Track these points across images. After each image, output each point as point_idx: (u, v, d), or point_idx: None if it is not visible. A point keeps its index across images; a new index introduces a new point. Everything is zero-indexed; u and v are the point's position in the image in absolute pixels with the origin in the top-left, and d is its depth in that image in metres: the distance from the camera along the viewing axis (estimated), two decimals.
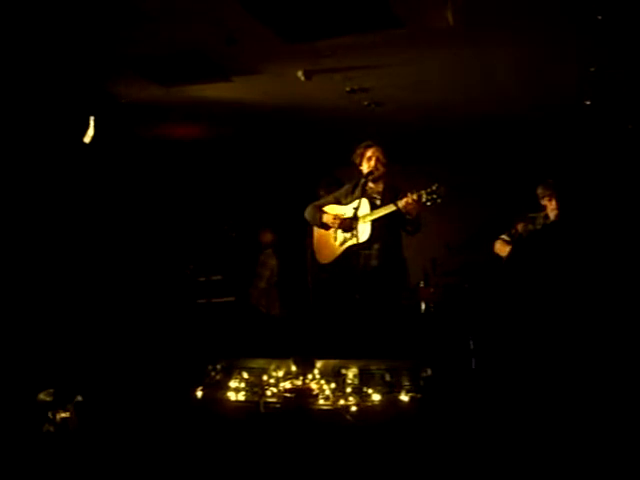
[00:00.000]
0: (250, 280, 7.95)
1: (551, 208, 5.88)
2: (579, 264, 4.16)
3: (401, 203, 5.01)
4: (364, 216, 5.16)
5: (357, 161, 5.39)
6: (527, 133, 8.45)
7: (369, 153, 5.32)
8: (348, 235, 5.27)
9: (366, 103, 7.15)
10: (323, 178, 6.63)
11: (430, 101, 7.25)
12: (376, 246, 5.21)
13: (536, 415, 4.02)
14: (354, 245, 5.18)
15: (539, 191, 5.94)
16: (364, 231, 5.16)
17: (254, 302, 7.82)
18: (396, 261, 5.32)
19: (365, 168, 5.32)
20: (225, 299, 7.78)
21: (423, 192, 4.97)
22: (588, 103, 7.13)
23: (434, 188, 4.97)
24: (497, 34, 5.47)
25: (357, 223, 5.12)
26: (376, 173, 5.30)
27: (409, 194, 5.01)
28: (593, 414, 3.82)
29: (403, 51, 5.81)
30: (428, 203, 4.96)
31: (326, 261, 5.47)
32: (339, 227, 5.37)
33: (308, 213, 5.62)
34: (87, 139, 6.51)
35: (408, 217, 5.09)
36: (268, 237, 7.97)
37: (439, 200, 4.96)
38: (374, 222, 5.16)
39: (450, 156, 9.15)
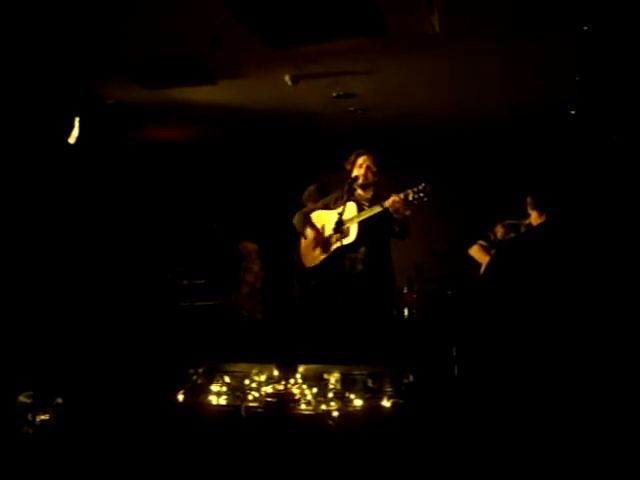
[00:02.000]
0: (232, 286, 7.88)
1: (536, 221, 5.90)
2: (562, 271, 4.18)
3: (387, 202, 5.03)
4: (351, 218, 5.16)
5: (348, 167, 5.40)
6: (512, 140, 8.50)
7: (360, 161, 5.32)
8: (334, 238, 5.26)
9: (352, 109, 7.17)
10: (308, 187, 6.57)
11: (415, 107, 7.29)
12: (362, 250, 5.21)
13: (519, 422, 4.03)
14: (340, 248, 5.18)
15: (530, 200, 5.96)
16: (350, 234, 5.17)
17: (236, 307, 7.77)
18: (382, 266, 5.32)
19: (355, 174, 5.32)
20: (209, 302, 7.75)
21: (410, 191, 5.01)
22: (572, 112, 7.19)
23: (420, 187, 5.01)
24: (482, 42, 5.50)
25: (342, 226, 5.12)
26: (365, 181, 5.30)
27: (394, 194, 5.03)
28: (580, 422, 3.84)
29: (389, 57, 5.84)
30: (415, 202, 5.00)
31: (312, 264, 5.46)
32: (316, 247, 5.39)
33: (296, 220, 5.62)
34: (72, 140, 6.48)
35: (396, 217, 5.10)
36: (248, 247, 7.91)
37: (425, 198, 5.00)
38: (361, 224, 5.16)
39: (435, 162, 9.18)
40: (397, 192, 5.09)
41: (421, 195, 5.00)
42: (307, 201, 6.40)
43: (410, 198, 5.00)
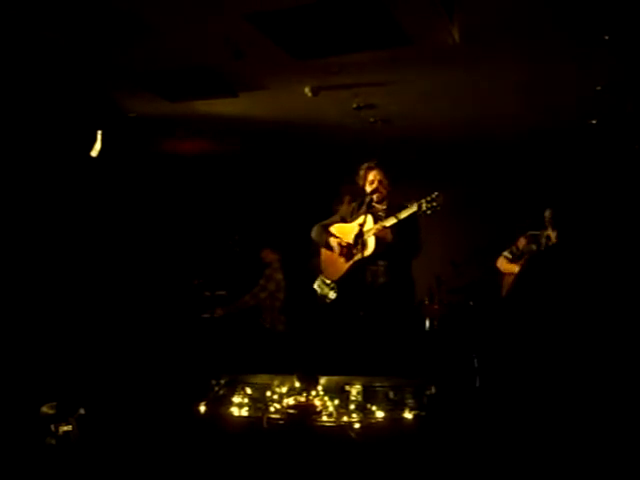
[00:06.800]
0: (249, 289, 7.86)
1: (554, 234, 5.93)
2: (586, 286, 4.15)
3: (402, 214, 5.02)
4: (368, 230, 5.15)
5: (360, 183, 5.40)
6: (532, 150, 8.46)
7: (371, 176, 5.31)
8: (355, 250, 5.25)
9: (372, 120, 7.17)
10: (341, 189, 6.63)
11: (436, 118, 7.28)
12: (382, 262, 5.20)
13: (540, 434, 4.00)
14: (360, 260, 5.17)
15: (547, 214, 5.99)
16: (368, 246, 5.16)
17: (243, 308, 7.73)
18: (404, 278, 5.31)
19: (368, 189, 5.32)
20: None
21: (423, 201, 4.99)
22: (594, 122, 7.15)
23: (433, 196, 4.98)
24: (503, 52, 5.49)
25: (362, 239, 5.12)
26: (379, 197, 5.30)
27: (409, 205, 5.02)
28: (599, 434, 3.81)
29: (410, 68, 5.84)
30: (428, 212, 4.98)
31: (333, 278, 5.44)
32: (340, 255, 5.36)
33: (315, 233, 5.60)
34: (94, 153, 6.53)
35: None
36: (270, 256, 7.93)
37: (438, 208, 4.97)
38: (378, 238, 5.15)
39: (455, 172, 9.16)
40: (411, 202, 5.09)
41: (434, 205, 4.97)
42: (342, 196, 6.47)
43: (423, 208, 4.98)
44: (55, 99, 6.23)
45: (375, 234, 5.07)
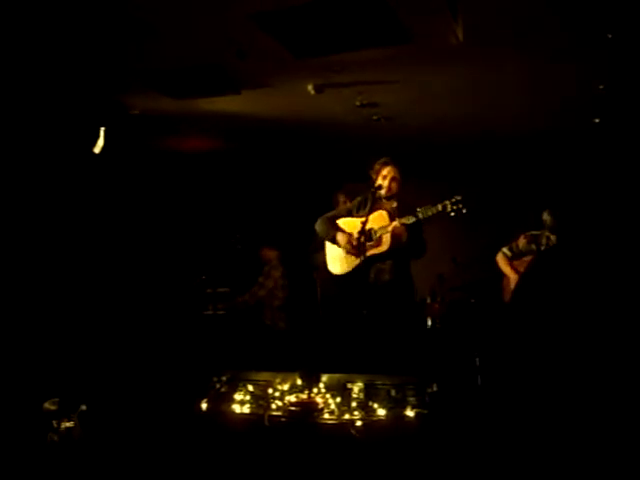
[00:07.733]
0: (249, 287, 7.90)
1: (554, 236, 5.95)
2: (589, 288, 4.15)
3: (427, 212, 4.96)
4: (385, 227, 5.11)
5: (373, 177, 5.37)
6: (535, 148, 8.45)
7: (385, 172, 5.29)
8: (370, 244, 5.19)
9: (375, 118, 7.17)
10: (344, 184, 6.65)
11: (439, 117, 7.27)
12: (389, 261, 5.19)
13: (542, 433, 4.00)
14: (372, 257, 5.13)
15: (545, 217, 6.01)
16: (384, 243, 5.12)
17: (243, 307, 7.77)
18: (406, 277, 5.30)
19: (379, 182, 5.29)
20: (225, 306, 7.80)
21: (447, 202, 4.93)
22: (597, 121, 7.14)
23: (459, 198, 4.94)
24: (507, 51, 5.48)
25: (373, 234, 5.11)
26: (388, 193, 5.28)
27: (431, 206, 4.98)
28: (602, 432, 3.81)
29: (413, 66, 5.83)
30: (452, 214, 4.93)
31: (342, 272, 5.37)
32: (348, 253, 5.30)
33: (320, 226, 5.53)
34: (97, 150, 6.54)
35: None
36: (268, 254, 7.97)
37: (464, 210, 4.92)
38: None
39: (457, 171, 9.15)
40: (419, 203, 5.06)
41: (460, 206, 4.92)
42: (339, 195, 6.47)
43: (448, 209, 4.93)
44: (59, 96, 6.24)
45: (392, 231, 5.04)
